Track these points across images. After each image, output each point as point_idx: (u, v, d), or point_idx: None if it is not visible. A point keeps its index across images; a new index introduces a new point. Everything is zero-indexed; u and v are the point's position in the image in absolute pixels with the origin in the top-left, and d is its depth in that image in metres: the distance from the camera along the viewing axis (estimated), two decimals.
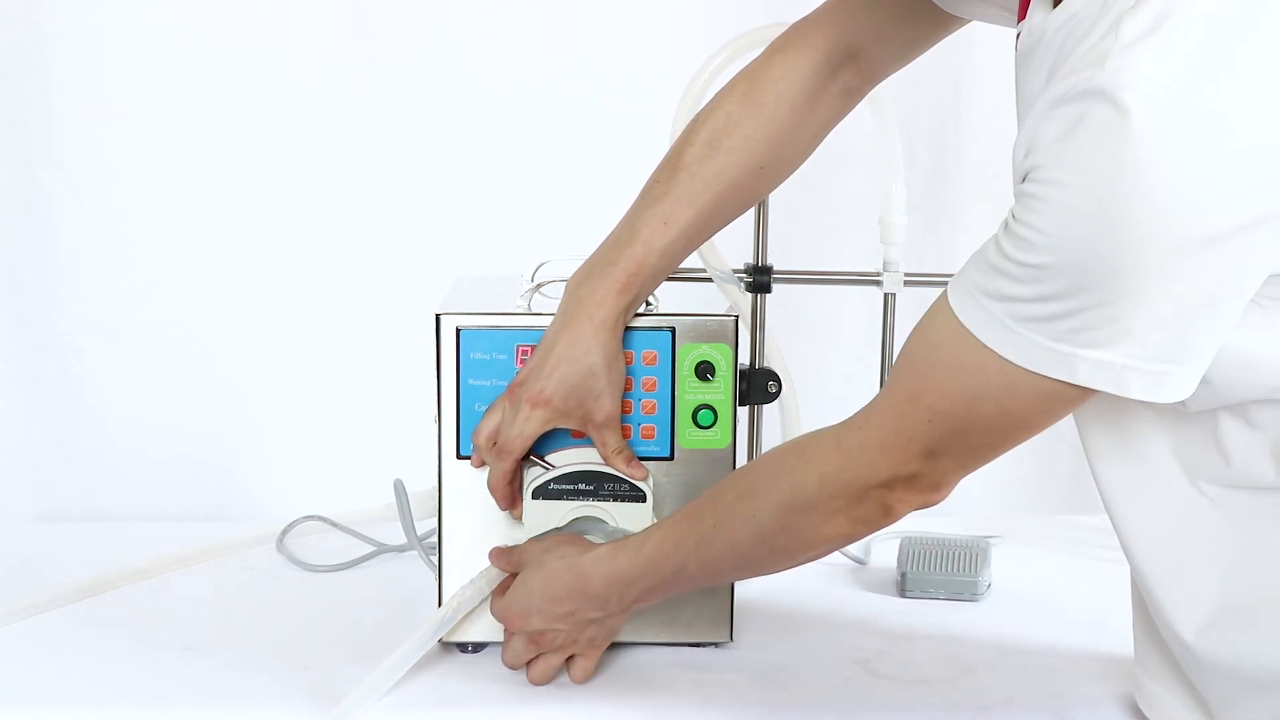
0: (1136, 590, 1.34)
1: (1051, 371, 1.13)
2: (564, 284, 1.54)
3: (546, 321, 1.47)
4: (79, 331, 2.13)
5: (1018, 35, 1.26)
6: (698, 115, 1.47)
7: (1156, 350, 1.10)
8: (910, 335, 1.23)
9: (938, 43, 1.48)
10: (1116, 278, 1.08)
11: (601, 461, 1.47)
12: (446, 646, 1.52)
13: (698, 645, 1.54)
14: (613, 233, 1.45)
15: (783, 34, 1.49)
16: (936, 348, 1.20)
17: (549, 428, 1.43)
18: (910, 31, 1.46)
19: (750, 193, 1.48)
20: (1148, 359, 1.11)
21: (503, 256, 1.81)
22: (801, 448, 1.30)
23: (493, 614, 1.47)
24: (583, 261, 1.45)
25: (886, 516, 1.26)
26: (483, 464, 1.47)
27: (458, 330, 1.47)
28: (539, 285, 1.54)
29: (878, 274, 1.66)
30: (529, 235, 2.11)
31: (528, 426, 1.42)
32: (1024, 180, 1.13)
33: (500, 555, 1.48)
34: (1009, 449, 1.21)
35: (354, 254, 2.14)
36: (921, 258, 1.71)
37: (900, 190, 1.62)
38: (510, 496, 1.47)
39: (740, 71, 1.48)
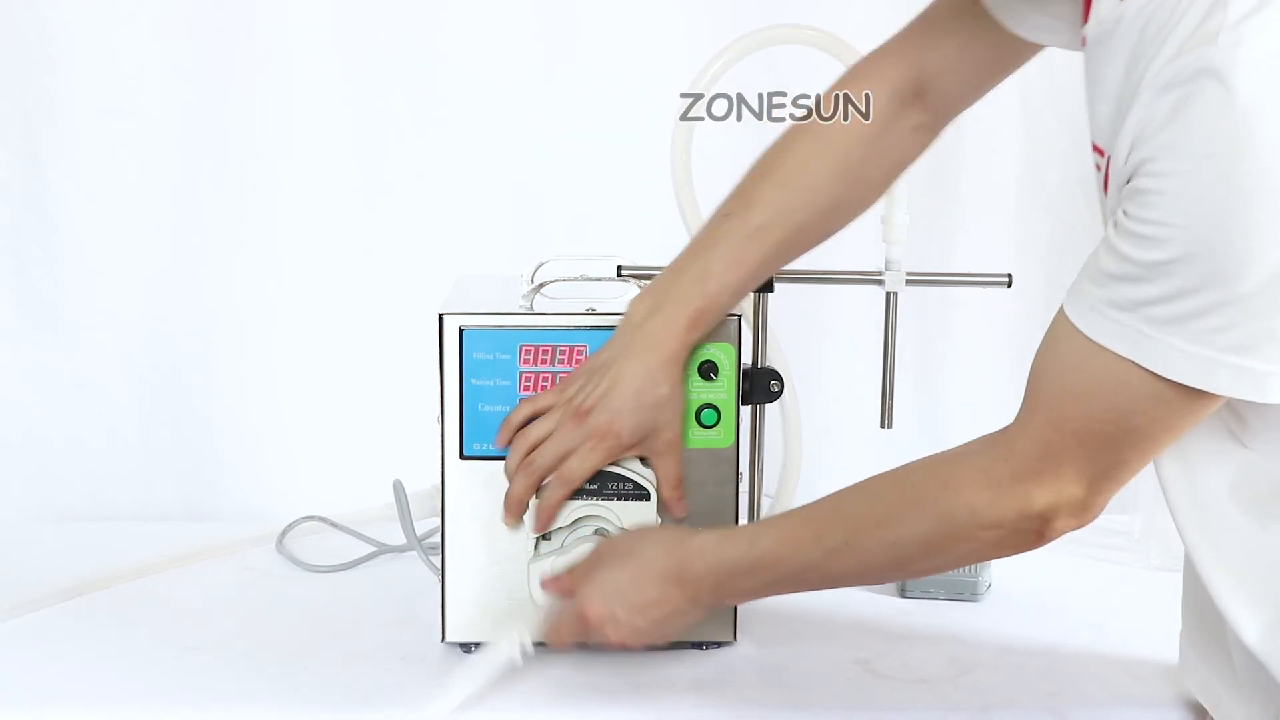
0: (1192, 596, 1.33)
1: (1192, 380, 1.11)
2: (565, 284, 1.54)
3: (548, 321, 1.48)
4: (82, 329, 2.13)
5: (1084, 36, 1.24)
6: (771, 151, 1.46)
7: None
8: (1035, 363, 1.21)
9: (1009, 74, 1.46)
10: (1245, 264, 1.06)
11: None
12: (449, 647, 1.52)
13: (701, 645, 1.54)
14: (682, 263, 1.44)
15: (851, 68, 1.49)
16: (1070, 371, 1.17)
17: (611, 459, 1.43)
18: (980, 60, 1.44)
19: (819, 232, 1.48)
20: None
21: (503, 256, 1.81)
22: (945, 477, 1.26)
23: (562, 619, 1.41)
24: (646, 286, 1.45)
25: (1039, 541, 1.23)
26: (506, 444, 1.46)
27: (460, 330, 1.47)
28: (540, 285, 1.54)
29: (879, 273, 1.66)
30: (529, 235, 2.11)
31: (592, 458, 1.42)
32: (1131, 179, 1.10)
33: (557, 582, 1.43)
34: (1160, 449, 1.19)
35: (354, 254, 2.14)
36: (923, 257, 1.71)
37: (902, 189, 1.62)
38: (522, 512, 1.47)
39: (811, 104, 1.47)
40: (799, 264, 1.61)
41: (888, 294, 1.65)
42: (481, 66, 2.11)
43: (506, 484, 1.46)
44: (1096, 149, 1.22)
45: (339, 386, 2.15)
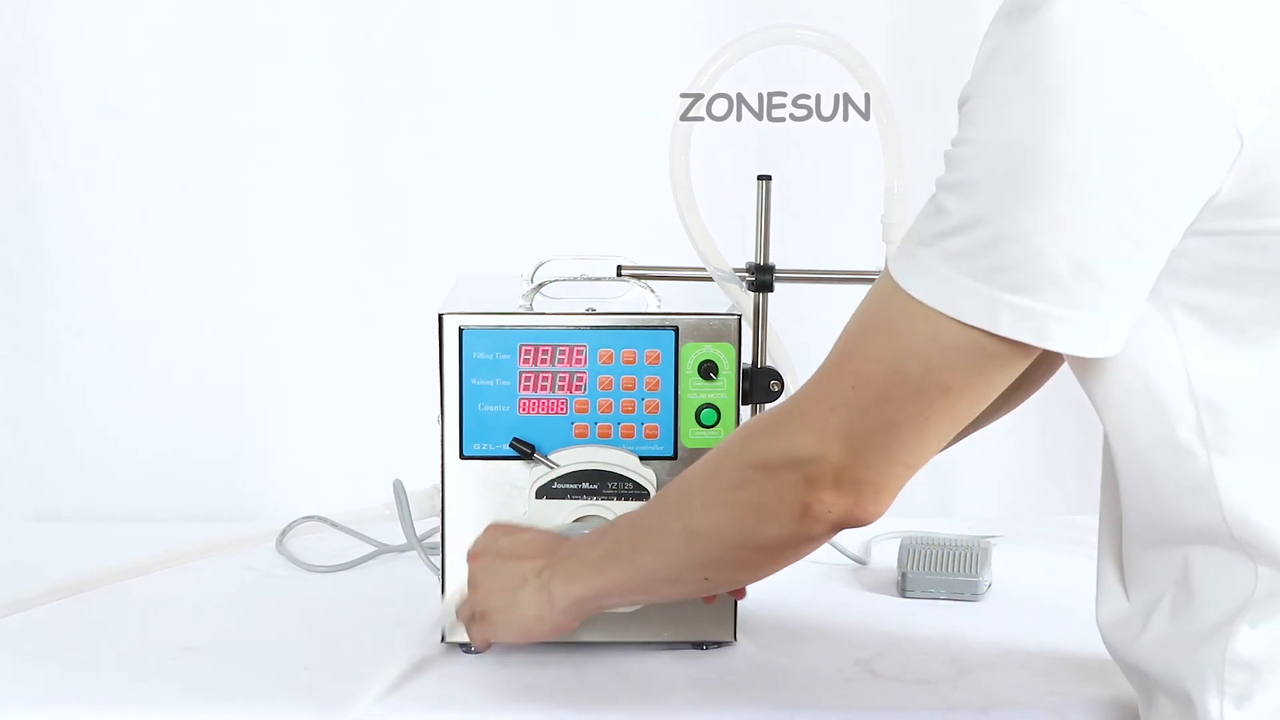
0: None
1: (974, 319, 1.09)
2: (565, 284, 1.54)
3: (548, 321, 1.48)
4: (75, 333, 2.13)
5: None
6: None
7: (1079, 296, 1.08)
8: None
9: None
10: (1038, 189, 1.06)
11: (605, 461, 1.47)
12: (449, 647, 1.52)
13: (701, 645, 1.54)
14: None
15: None
16: (869, 311, 1.16)
17: None
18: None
19: None
20: (1071, 305, 1.08)
21: (503, 256, 1.81)
22: (744, 424, 1.25)
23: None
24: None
25: (804, 519, 1.17)
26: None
27: (460, 330, 1.48)
28: (540, 285, 1.54)
29: (879, 273, 1.66)
30: (529, 235, 2.10)
31: None
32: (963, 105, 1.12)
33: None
34: (937, 431, 1.14)
35: (353, 254, 2.14)
36: None
37: (902, 188, 1.62)
38: None
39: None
40: (799, 264, 1.61)
41: None
42: (481, 66, 2.11)
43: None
44: None
45: (339, 386, 2.15)
